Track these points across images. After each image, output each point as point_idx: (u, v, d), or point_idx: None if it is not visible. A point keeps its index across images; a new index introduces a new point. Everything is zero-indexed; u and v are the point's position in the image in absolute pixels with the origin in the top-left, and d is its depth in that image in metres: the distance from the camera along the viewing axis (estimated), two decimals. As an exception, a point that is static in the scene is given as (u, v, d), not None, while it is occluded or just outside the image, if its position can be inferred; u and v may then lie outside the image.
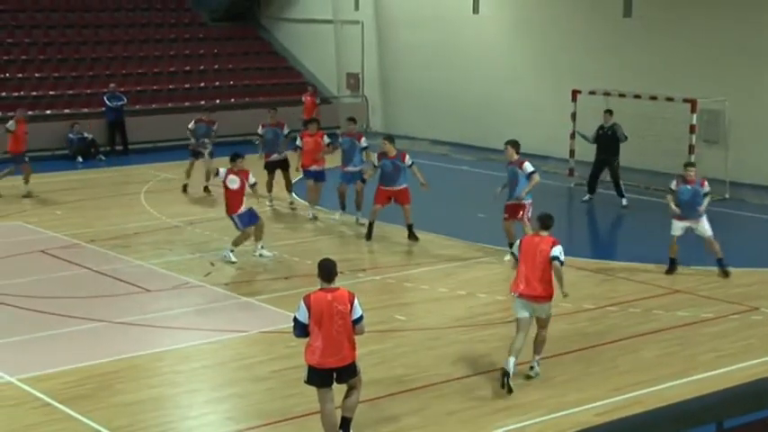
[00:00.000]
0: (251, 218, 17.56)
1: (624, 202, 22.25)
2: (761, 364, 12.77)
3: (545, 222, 12.25)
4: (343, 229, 20.13)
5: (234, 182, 17.38)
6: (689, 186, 16.63)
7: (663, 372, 12.51)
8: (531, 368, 12.25)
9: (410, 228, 18.99)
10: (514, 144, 17.51)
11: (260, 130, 22.21)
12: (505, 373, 11.72)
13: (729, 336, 13.94)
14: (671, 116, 23.47)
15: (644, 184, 23.55)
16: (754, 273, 17.10)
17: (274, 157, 21.79)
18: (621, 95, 24.13)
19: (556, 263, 11.95)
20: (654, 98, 23.62)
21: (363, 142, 20.45)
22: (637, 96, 23.92)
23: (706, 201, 16.68)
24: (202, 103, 31.86)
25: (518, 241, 12.49)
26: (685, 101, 22.93)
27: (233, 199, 17.52)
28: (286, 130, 22.08)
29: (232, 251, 17.39)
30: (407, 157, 19.00)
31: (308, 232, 20.04)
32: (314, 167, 20.72)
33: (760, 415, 7.93)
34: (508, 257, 16.56)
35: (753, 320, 14.60)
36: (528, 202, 17.35)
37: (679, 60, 25.22)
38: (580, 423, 10.71)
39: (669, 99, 23.33)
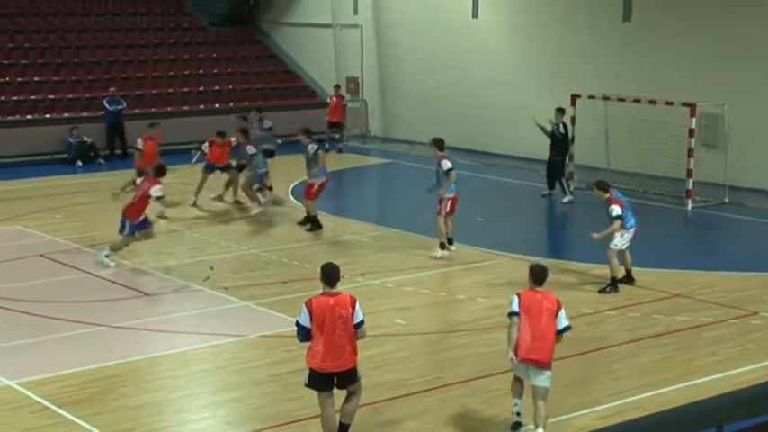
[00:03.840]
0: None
1: (566, 199, 22.18)
2: (760, 368, 12.78)
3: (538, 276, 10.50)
4: (340, 232, 20.13)
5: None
6: None
7: (661, 376, 12.52)
8: None
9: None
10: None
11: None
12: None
13: (728, 340, 13.95)
14: (670, 120, 23.49)
15: (643, 188, 23.50)
16: (752, 277, 17.12)
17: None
18: (621, 100, 24.14)
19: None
20: (653, 102, 23.63)
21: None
22: (636, 101, 23.93)
23: None
24: (201, 107, 31.96)
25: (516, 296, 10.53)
26: (684, 105, 22.95)
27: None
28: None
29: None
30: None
31: (306, 236, 20.02)
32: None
33: (759, 420, 7.93)
34: None
35: (752, 325, 14.60)
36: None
37: (678, 65, 25.24)
38: (579, 427, 10.74)
39: (668, 103, 23.35)
